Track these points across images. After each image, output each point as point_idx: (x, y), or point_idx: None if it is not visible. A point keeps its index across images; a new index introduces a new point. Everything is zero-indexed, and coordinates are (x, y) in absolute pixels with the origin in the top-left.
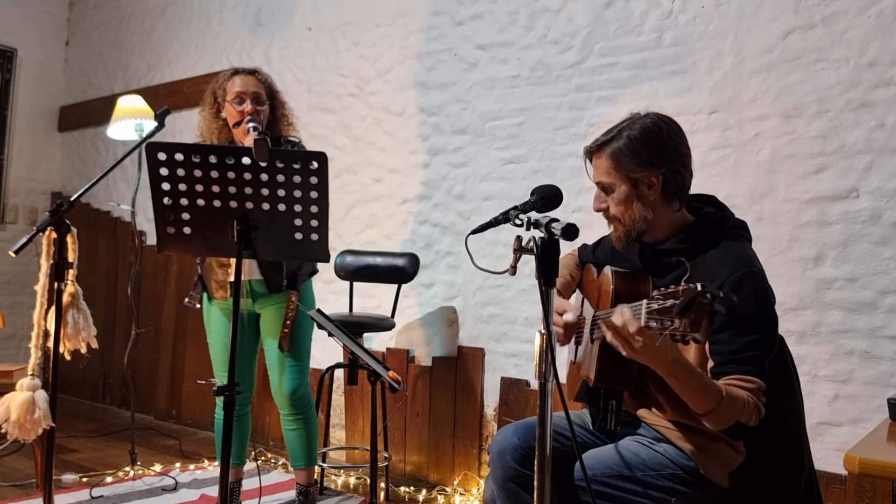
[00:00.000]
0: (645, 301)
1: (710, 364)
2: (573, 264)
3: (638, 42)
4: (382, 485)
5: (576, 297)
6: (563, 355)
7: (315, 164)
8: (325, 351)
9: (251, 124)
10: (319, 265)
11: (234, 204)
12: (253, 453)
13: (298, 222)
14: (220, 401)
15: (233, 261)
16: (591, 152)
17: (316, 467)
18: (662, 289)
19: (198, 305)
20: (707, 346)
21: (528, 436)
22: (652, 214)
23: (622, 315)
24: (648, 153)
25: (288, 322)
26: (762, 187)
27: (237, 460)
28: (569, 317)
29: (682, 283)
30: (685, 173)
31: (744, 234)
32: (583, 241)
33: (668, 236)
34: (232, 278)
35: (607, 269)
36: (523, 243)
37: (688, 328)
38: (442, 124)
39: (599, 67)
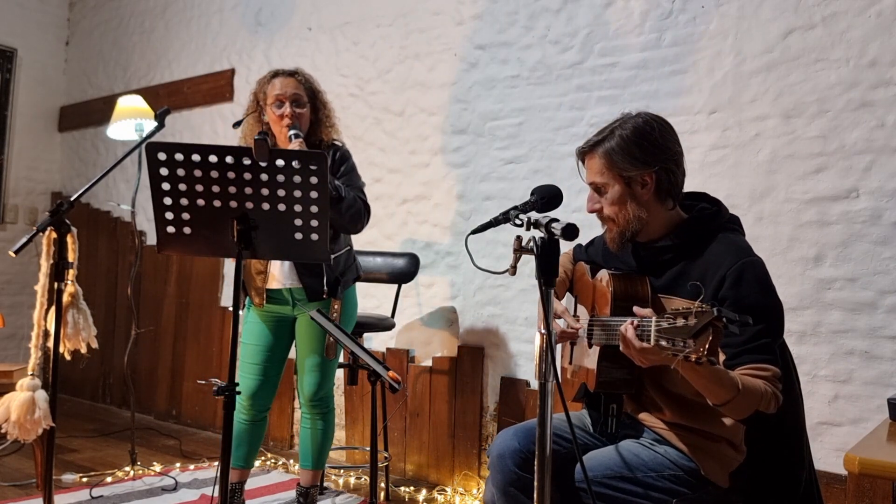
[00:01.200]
0: (654, 319)
1: (722, 357)
2: (567, 262)
3: (638, 42)
4: (382, 485)
5: (567, 299)
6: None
7: (315, 165)
8: None
9: (292, 132)
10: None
11: (234, 204)
12: None
13: (298, 222)
14: (238, 405)
15: (268, 266)
16: (584, 153)
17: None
18: (672, 308)
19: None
20: None
21: (528, 439)
22: (646, 214)
23: (634, 340)
24: (641, 152)
25: None
26: (762, 187)
27: (243, 463)
28: (561, 323)
29: (697, 304)
30: (678, 172)
31: (738, 228)
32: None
33: (662, 235)
34: (268, 285)
35: (604, 272)
36: (523, 243)
37: (703, 352)
38: (442, 124)
39: (599, 67)
